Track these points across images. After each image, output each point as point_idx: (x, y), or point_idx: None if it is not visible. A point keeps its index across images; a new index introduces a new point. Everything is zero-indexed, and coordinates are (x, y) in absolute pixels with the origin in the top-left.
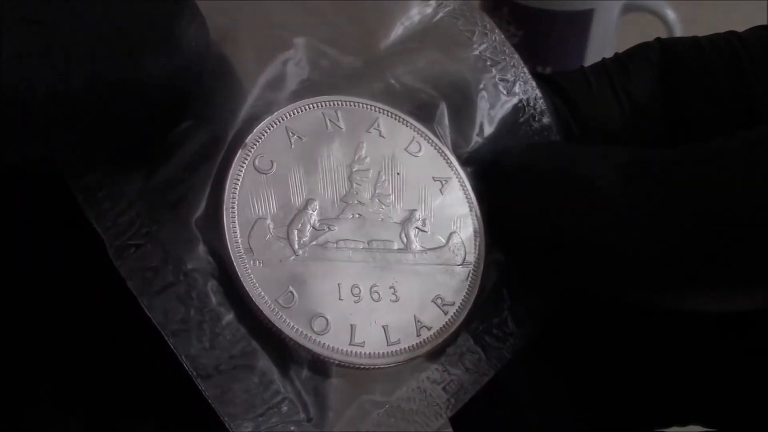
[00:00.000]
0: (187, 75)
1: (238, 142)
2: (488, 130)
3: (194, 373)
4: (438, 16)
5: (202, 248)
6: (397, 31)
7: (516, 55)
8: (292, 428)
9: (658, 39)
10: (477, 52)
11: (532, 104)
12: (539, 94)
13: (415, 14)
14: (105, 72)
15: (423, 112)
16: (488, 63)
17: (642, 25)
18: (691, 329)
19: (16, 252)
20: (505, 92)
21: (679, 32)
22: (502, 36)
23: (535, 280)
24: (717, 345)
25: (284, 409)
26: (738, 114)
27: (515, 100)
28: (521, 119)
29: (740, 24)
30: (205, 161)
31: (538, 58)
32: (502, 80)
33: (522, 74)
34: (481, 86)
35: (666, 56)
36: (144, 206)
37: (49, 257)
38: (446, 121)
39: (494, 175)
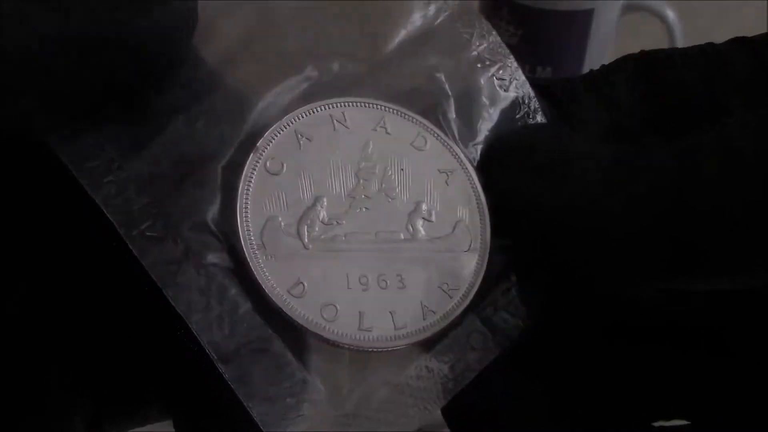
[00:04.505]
0: (175, 27)
1: (249, 144)
2: (490, 124)
3: (215, 357)
4: (439, 20)
5: (218, 244)
6: (400, 34)
7: (511, 57)
8: (306, 406)
9: (641, 51)
10: (476, 53)
11: (527, 102)
12: (532, 94)
13: (417, 18)
14: (100, 19)
15: (429, 109)
16: (487, 63)
17: (642, 25)
18: (670, 331)
19: (19, 236)
20: (502, 90)
21: (679, 32)
22: (498, 38)
23: (532, 260)
24: (695, 346)
25: (298, 389)
26: (709, 119)
27: (512, 96)
28: (517, 116)
29: (740, 24)
30: (213, 160)
31: (538, 58)
32: (499, 79)
33: (517, 75)
34: (481, 84)
35: (645, 66)
36: (155, 197)
37: (52, 241)
38: (451, 116)
39: (491, 158)
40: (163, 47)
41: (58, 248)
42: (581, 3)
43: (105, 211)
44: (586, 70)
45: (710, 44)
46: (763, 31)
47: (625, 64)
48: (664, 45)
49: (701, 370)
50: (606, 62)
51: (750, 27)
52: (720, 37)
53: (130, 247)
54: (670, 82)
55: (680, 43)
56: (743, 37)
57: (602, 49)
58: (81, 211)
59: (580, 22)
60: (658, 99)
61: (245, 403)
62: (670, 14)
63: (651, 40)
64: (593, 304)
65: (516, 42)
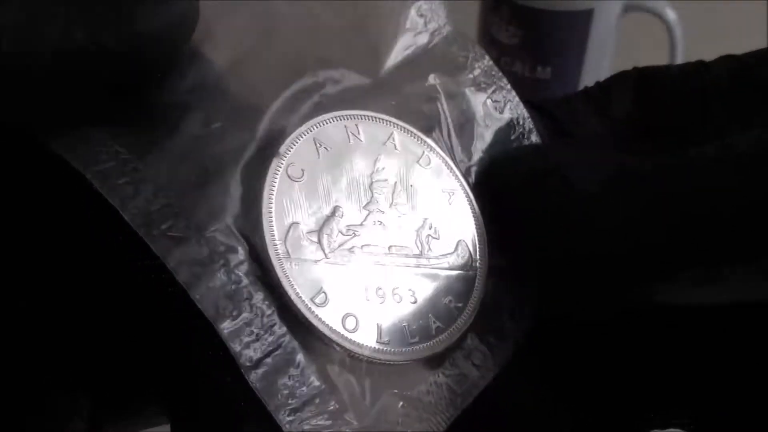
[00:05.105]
0: (179, 30)
1: (268, 150)
2: (486, 146)
3: (243, 365)
4: (434, 42)
5: (241, 248)
6: (398, 51)
7: (504, 79)
8: (327, 416)
9: (635, 67)
10: (472, 76)
11: (521, 123)
12: (527, 115)
13: (413, 37)
14: (104, 26)
15: (428, 129)
16: (482, 85)
17: (642, 25)
18: (675, 330)
19: (20, 237)
20: (497, 112)
21: (679, 32)
22: (491, 62)
23: (529, 281)
24: (703, 346)
25: (318, 401)
26: (700, 137)
27: (507, 118)
28: (513, 137)
29: (740, 24)
30: (231, 162)
31: (538, 58)
32: (494, 102)
33: (511, 97)
34: (478, 106)
35: (641, 82)
36: (173, 198)
37: (52, 242)
38: (450, 137)
39: (488, 179)
40: (165, 49)
41: (58, 249)
42: (581, 3)
43: (122, 213)
44: (586, 70)
45: (701, 62)
46: (763, 31)
47: (622, 79)
48: (664, 45)
49: (703, 369)
50: (605, 62)
51: (750, 27)
52: (719, 37)
53: (152, 247)
54: (666, 97)
55: (680, 43)
56: (732, 55)
57: (602, 49)
58: (81, 213)
59: (580, 22)
60: (654, 114)
61: (273, 414)
62: (670, 14)
63: (651, 40)
64: (596, 307)
65: (516, 42)
